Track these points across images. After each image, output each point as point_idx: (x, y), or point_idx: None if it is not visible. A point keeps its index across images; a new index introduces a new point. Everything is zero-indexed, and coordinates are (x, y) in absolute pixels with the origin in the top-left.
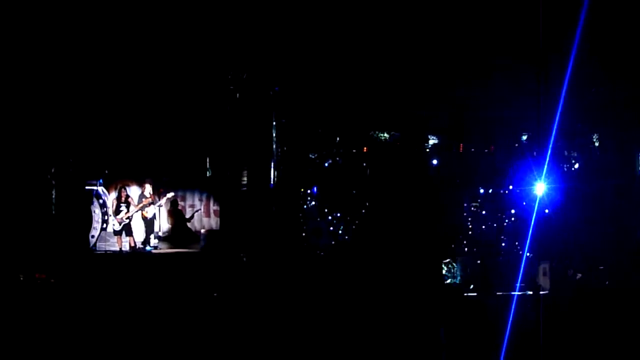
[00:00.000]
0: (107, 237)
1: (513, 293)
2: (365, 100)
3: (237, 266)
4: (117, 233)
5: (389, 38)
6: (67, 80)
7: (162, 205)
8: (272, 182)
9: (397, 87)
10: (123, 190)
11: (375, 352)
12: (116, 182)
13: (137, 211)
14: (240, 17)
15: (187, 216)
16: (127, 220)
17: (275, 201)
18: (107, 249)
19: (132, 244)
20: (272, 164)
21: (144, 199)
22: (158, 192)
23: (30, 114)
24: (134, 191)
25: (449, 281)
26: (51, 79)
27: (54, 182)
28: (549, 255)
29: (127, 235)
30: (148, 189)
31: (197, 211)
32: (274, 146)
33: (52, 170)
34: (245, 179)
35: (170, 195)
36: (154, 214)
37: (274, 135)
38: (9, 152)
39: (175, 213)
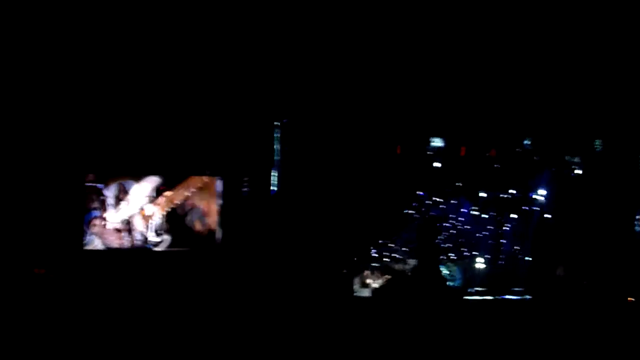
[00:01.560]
0: (107, 234)
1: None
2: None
3: (236, 266)
4: (116, 230)
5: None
6: (70, 77)
7: (160, 204)
8: (275, 185)
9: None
10: (122, 187)
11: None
12: (116, 178)
13: (136, 209)
14: (266, 9)
15: (186, 214)
16: (127, 218)
17: (279, 204)
18: (106, 245)
19: (132, 241)
20: (276, 166)
21: (143, 197)
22: (158, 190)
23: (30, 109)
24: (133, 188)
25: (449, 283)
26: (54, 73)
27: (53, 178)
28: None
29: (126, 232)
30: (147, 186)
31: (194, 209)
32: (278, 148)
33: (52, 166)
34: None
35: (169, 193)
36: (153, 212)
37: (276, 136)
38: (9, 147)
39: (174, 211)
